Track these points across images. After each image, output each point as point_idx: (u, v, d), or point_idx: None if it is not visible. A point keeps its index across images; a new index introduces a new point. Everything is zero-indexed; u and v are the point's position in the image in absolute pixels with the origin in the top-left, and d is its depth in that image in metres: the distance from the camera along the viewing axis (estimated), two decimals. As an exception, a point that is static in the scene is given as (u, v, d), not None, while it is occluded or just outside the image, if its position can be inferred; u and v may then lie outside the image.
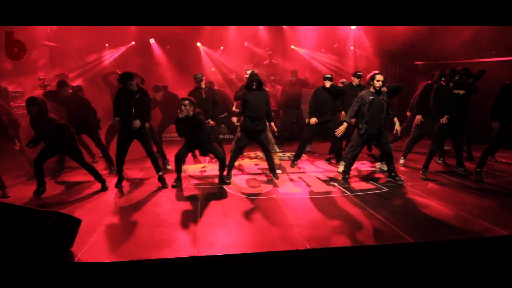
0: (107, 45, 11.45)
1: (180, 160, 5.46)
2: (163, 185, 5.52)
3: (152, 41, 12.14)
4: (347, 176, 5.60)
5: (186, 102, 5.25)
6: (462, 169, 6.12)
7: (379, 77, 5.34)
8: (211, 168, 6.71)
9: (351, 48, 12.73)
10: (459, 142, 6.13)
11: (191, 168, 6.78)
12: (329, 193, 5.19)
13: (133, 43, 11.77)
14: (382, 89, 5.41)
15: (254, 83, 5.76)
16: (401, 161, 6.72)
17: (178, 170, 5.52)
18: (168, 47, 12.33)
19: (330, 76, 6.56)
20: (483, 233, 3.74)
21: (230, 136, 9.90)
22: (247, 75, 6.70)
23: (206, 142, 5.46)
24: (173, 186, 5.48)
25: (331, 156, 7.22)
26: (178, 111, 5.27)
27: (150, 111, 5.76)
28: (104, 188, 5.36)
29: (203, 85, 6.81)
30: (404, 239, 3.61)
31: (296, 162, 6.78)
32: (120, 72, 5.69)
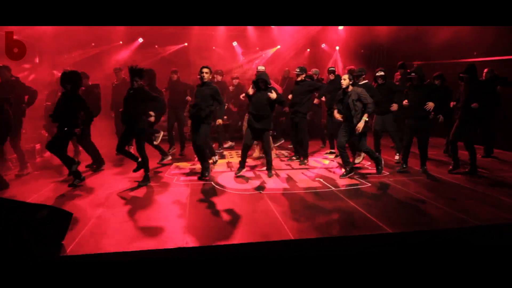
0: (93, 44, 11.48)
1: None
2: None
3: (140, 40, 12.19)
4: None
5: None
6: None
7: (345, 76, 5.70)
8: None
9: (337, 48, 12.95)
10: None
11: (181, 165, 6.89)
12: (314, 188, 5.36)
13: (121, 42, 11.79)
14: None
15: (260, 83, 5.85)
16: (397, 157, 6.99)
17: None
18: (156, 46, 12.37)
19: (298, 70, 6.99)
20: (457, 224, 3.95)
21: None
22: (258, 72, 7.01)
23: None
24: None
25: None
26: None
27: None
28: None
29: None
30: (383, 229, 3.79)
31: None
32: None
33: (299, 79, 6.93)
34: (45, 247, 3.40)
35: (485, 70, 7.41)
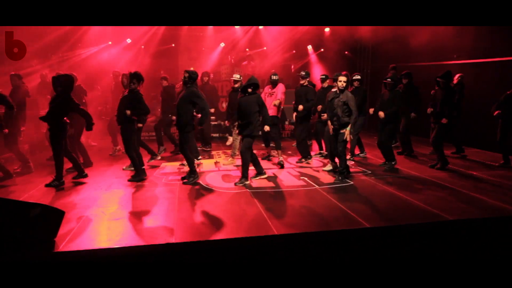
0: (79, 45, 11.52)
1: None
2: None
3: (129, 40, 12.25)
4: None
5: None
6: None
7: (342, 78, 5.79)
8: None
9: (321, 50, 13.20)
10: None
11: (168, 165, 7.04)
12: (298, 186, 5.58)
13: (110, 43, 11.85)
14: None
15: (251, 88, 5.74)
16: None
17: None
18: (142, 47, 12.44)
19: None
20: (431, 219, 4.20)
21: (220, 135, 10.26)
22: (236, 79, 7.18)
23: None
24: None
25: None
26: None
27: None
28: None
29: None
30: (361, 224, 4.02)
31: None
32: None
33: (302, 82, 7.09)
34: (39, 244, 3.53)
35: (457, 75, 7.80)
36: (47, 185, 5.53)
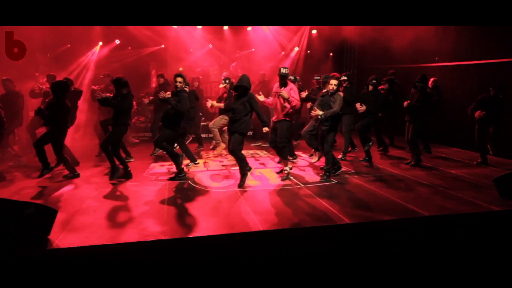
0: (69, 45, 11.54)
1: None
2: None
3: (117, 41, 12.30)
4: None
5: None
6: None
7: (333, 81, 6.03)
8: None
9: (308, 51, 13.43)
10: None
11: (157, 165, 7.18)
12: (284, 185, 5.78)
13: (101, 43, 11.89)
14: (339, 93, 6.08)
15: (237, 90, 5.65)
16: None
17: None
18: (129, 48, 12.50)
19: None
20: (408, 215, 4.46)
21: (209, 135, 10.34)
22: (225, 80, 7.42)
23: None
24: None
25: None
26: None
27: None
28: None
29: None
30: (342, 220, 4.25)
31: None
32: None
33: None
34: (33, 241, 3.66)
35: (431, 79, 8.28)
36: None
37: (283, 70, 6.03)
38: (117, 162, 6.08)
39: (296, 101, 6.06)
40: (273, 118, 6.42)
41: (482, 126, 6.97)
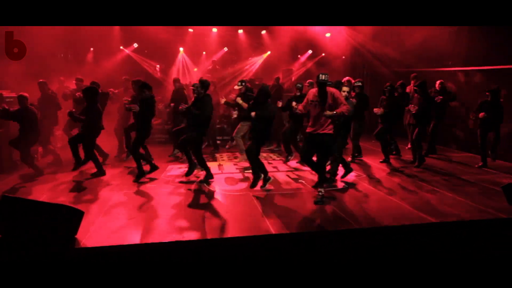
0: (92, 49, 11.95)
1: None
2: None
3: (135, 45, 12.68)
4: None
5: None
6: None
7: (345, 88, 6.20)
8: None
9: (323, 54, 13.57)
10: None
11: (175, 167, 7.45)
12: (296, 189, 5.98)
13: (121, 47, 12.27)
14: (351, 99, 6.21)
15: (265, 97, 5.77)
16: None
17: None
18: (146, 51, 12.85)
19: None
20: (416, 221, 4.61)
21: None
22: (240, 82, 7.56)
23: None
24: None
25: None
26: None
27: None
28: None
29: None
30: (351, 225, 4.44)
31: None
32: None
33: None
34: (61, 241, 3.95)
35: (438, 82, 8.39)
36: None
37: (322, 77, 5.07)
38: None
39: (345, 108, 5.11)
40: (309, 129, 5.35)
41: (484, 130, 7.18)
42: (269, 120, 5.75)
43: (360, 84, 7.60)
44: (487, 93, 7.11)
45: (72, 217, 4.02)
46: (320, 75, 5.12)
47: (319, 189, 5.35)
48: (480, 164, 7.30)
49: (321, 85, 5.12)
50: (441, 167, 7.41)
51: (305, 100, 5.43)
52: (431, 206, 5.16)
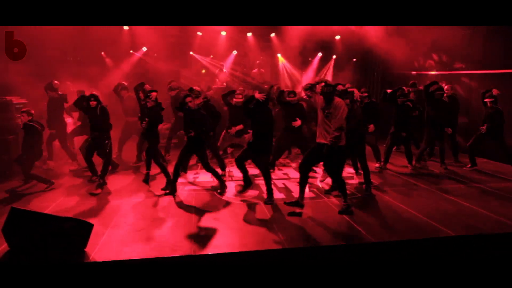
0: (103, 53, 11.93)
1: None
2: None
3: (144, 49, 12.63)
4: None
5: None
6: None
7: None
8: (203, 174, 7.29)
9: (334, 57, 13.40)
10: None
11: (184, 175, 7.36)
12: (309, 198, 5.84)
13: (131, 51, 12.25)
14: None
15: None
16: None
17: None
18: (155, 55, 12.80)
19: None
20: (433, 234, 4.45)
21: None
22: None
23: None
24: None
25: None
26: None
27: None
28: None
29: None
30: (367, 238, 4.30)
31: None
32: (125, 84, 7.35)
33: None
34: (71, 254, 3.89)
35: (446, 87, 8.12)
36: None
37: (325, 89, 4.92)
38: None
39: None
40: (319, 140, 5.10)
41: (480, 136, 7.34)
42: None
43: (366, 95, 7.15)
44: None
45: (81, 230, 3.95)
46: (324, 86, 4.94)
47: (345, 203, 5.17)
48: (468, 166, 7.55)
49: (327, 96, 4.95)
50: (463, 176, 7.15)
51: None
52: (449, 217, 4.99)
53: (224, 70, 13.00)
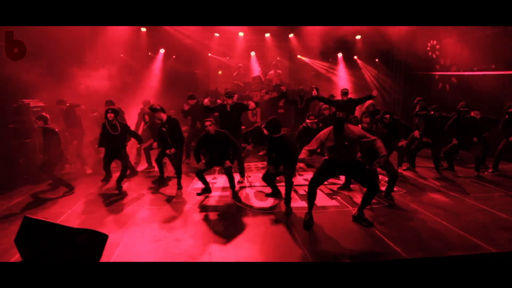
0: (122, 55, 11.86)
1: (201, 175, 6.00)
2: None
3: (162, 51, 12.55)
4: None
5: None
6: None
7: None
8: (220, 180, 7.08)
9: (355, 57, 13.04)
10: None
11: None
12: (331, 207, 5.54)
13: (150, 53, 12.17)
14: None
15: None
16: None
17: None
18: (174, 56, 12.70)
19: None
20: (472, 250, 4.08)
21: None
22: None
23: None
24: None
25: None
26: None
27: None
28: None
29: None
30: (398, 255, 3.97)
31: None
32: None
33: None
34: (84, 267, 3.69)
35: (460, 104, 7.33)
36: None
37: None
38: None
39: None
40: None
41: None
42: None
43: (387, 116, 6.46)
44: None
45: (94, 242, 3.75)
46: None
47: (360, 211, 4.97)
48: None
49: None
50: (498, 183, 6.71)
51: None
52: (487, 230, 4.61)
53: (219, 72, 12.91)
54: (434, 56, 11.29)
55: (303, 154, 4.72)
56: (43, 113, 6.37)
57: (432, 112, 7.48)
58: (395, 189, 5.93)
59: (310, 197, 4.91)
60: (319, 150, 5.33)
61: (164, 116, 6.46)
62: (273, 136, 5.46)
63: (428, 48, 11.42)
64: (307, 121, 7.49)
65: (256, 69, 12.72)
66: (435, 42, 11.20)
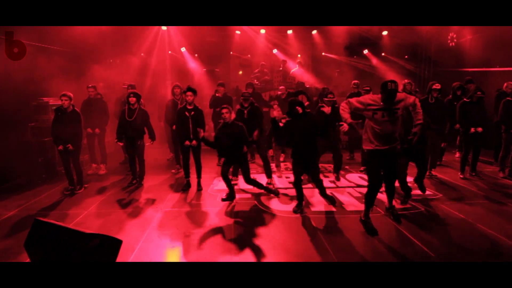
0: (142, 54, 11.75)
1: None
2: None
3: (183, 49, 12.37)
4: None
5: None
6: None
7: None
8: (241, 182, 6.76)
9: (382, 54, 12.52)
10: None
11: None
12: (361, 212, 5.13)
13: (170, 52, 12.04)
14: None
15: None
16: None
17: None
18: (196, 55, 12.52)
19: None
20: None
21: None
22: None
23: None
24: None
25: None
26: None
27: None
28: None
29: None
30: (429, 256, 3.58)
31: None
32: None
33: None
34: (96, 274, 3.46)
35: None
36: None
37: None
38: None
39: None
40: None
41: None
42: None
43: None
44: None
45: (107, 248, 3.51)
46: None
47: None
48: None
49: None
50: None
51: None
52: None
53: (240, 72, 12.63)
54: (462, 52, 10.66)
55: (345, 114, 4.16)
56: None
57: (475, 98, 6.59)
58: (431, 191, 5.48)
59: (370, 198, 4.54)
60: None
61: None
62: (296, 115, 4.94)
63: (454, 44, 10.81)
64: (324, 99, 6.48)
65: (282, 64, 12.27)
66: (462, 38, 10.59)
